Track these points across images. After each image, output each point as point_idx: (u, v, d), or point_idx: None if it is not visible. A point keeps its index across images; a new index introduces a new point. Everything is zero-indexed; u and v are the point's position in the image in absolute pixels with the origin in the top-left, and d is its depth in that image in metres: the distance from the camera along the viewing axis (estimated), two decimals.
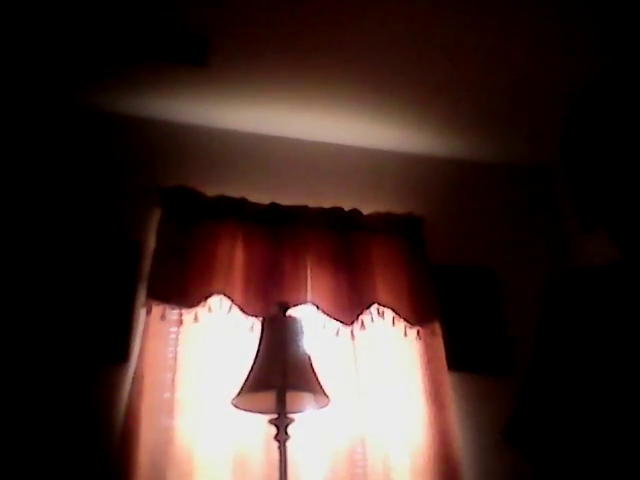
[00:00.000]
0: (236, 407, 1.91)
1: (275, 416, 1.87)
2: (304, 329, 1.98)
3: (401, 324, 2.43)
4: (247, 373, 1.90)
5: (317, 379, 1.89)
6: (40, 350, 2.11)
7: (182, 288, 2.27)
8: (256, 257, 2.42)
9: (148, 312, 2.21)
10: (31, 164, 2.44)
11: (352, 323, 2.37)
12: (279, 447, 1.83)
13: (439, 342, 2.44)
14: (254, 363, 1.91)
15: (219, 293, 2.30)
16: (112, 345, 2.19)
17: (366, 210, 2.66)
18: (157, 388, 2.10)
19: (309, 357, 1.93)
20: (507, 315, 2.66)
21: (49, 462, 1.98)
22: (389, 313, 2.44)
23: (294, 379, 1.83)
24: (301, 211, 2.57)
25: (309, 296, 2.38)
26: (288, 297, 2.31)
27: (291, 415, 1.88)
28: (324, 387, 1.89)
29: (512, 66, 2.51)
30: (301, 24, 2.30)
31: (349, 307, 2.39)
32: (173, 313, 2.24)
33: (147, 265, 2.33)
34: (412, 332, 2.43)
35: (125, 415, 2.03)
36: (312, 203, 2.62)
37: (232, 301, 2.29)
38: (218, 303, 2.30)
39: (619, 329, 0.76)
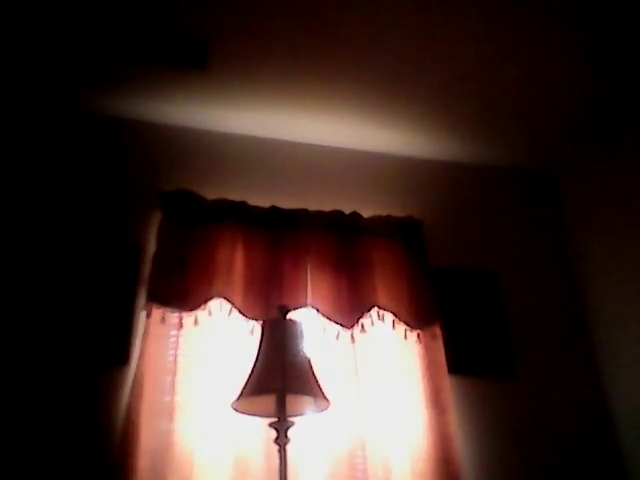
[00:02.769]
0: (236, 410, 1.90)
1: (275, 419, 1.87)
2: (304, 332, 1.97)
3: (401, 327, 2.43)
4: (247, 376, 1.89)
5: (317, 382, 1.89)
6: (41, 353, 2.11)
7: (182, 291, 2.27)
8: (256, 260, 2.42)
9: (148, 315, 2.21)
10: (32, 167, 2.45)
11: (352, 326, 2.37)
12: (279, 450, 1.82)
13: (439, 345, 2.43)
14: (254, 366, 1.90)
15: (219, 296, 2.29)
16: (112, 348, 2.19)
17: (366, 213, 2.67)
18: (157, 391, 2.10)
19: (309, 360, 1.92)
20: (507, 318, 2.66)
21: (49, 465, 1.98)
22: (389, 316, 2.44)
23: (294, 382, 1.83)
24: (301, 214, 2.57)
25: (309, 299, 2.38)
26: (288, 300, 2.31)
27: (291, 418, 1.88)
28: (324, 390, 1.89)
29: (513, 68, 2.51)
30: (301, 27, 2.30)
31: (349, 310, 2.39)
32: (173, 316, 2.24)
33: (147, 268, 2.33)
34: (412, 335, 2.43)
35: (125, 418, 2.03)
36: (312, 206, 2.62)
37: (232, 304, 2.29)
38: (218, 306, 2.29)
39: None
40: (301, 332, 1.96)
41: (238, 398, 1.86)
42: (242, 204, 2.53)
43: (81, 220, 2.40)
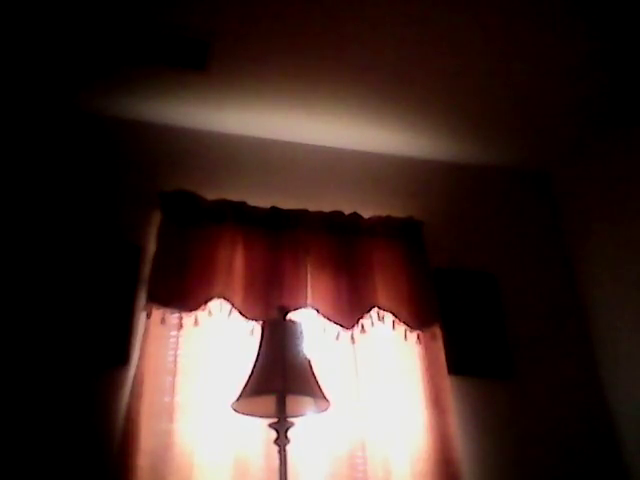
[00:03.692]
0: (236, 411, 1.91)
1: (275, 420, 1.87)
2: (304, 333, 1.98)
3: (401, 328, 2.43)
4: (247, 377, 1.89)
5: (317, 383, 1.89)
6: (41, 353, 2.11)
7: (182, 292, 2.27)
8: (256, 261, 2.42)
9: (148, 316, 2.21)
10: (32, 168, 2.45)
11: (352, 327, 2.37)
12: (279, 451, 1.82)
13: (439, 346, 2.43)
14: (254, 367, 1.90)
15: (219, 297, 2.30)
16: (112, 348, 2.19)
17: (366, 214, 2.67)
18: (157, 392, 2.10)
19: (309, 361, 1.92)
20: (507, 319, 2.66)
21: (49, 465, 1.98)
22: (389, 317, 2.44)
23: (294, 383, 1.83)
24: (301, 215, 2.57)
25: (309, 300, 2.38)
26: (288, 301, 2.31)
27: (291, 419, 1.88)
28: (324, 391, 1.89)
29: (512, 70, 2.51)
30: (301, 29, 2.30)
31: (349, 311, 2.39)
32: (173, 317, 2.24)
33: (147, 269, 2.33)
34: (412, 336, 2.43)
35: (125, 419, 2.03)
36: (312, 207, 2.62)
37: (232, 305, 2.29)
38: (218, 307, 2.30)
39: None
40: (301, 332, 1.96)
41: (238, 399, 1.86)
42: (242, 205, 2.53)
43: (81, 220, 2.40)
